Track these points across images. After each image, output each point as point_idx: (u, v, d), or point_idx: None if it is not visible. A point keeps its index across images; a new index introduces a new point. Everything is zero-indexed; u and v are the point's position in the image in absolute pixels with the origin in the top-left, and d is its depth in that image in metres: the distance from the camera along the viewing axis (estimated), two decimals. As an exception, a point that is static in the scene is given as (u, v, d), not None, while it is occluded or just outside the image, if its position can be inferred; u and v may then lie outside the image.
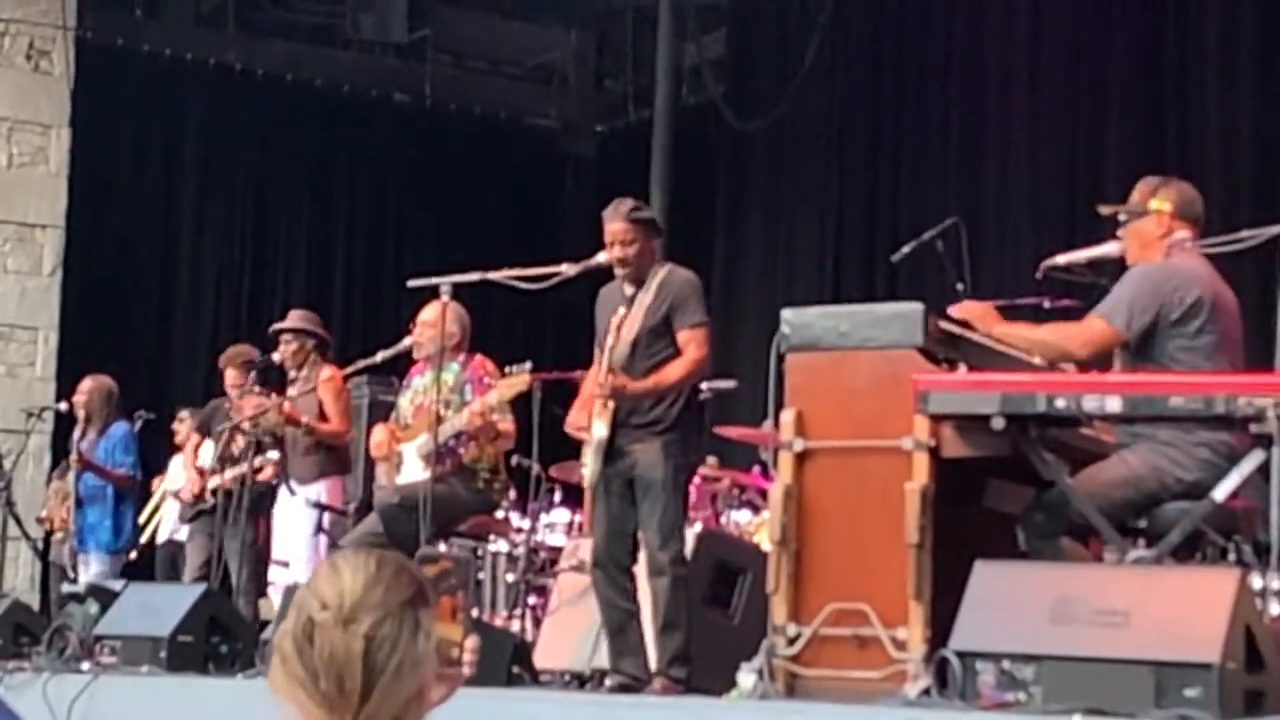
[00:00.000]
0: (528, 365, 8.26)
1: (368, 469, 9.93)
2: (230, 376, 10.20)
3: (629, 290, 7.21)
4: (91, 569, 10.81)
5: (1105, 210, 6.20)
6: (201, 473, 10.21)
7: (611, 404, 7.01)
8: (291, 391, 9.69)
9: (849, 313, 5.84)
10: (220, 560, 9.48)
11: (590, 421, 7.13)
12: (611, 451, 7.05)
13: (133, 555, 11.36)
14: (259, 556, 9.75)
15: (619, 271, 7.22)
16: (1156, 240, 5.97)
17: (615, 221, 7.22)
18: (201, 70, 15.21)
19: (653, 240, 7.30)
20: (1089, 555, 5.79)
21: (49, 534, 11.50)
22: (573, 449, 7.63)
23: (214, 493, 9.78)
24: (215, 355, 14.41)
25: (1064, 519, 5.59)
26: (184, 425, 11.80)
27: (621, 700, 6.74)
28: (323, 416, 9.61)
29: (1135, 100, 11.50)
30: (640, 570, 7.14)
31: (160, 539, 11.71)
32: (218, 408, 10.34)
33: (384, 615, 2.65)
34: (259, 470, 9.60)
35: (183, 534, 11.26)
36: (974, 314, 5.98)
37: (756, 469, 10.22)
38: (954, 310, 5.93)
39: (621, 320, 7.11)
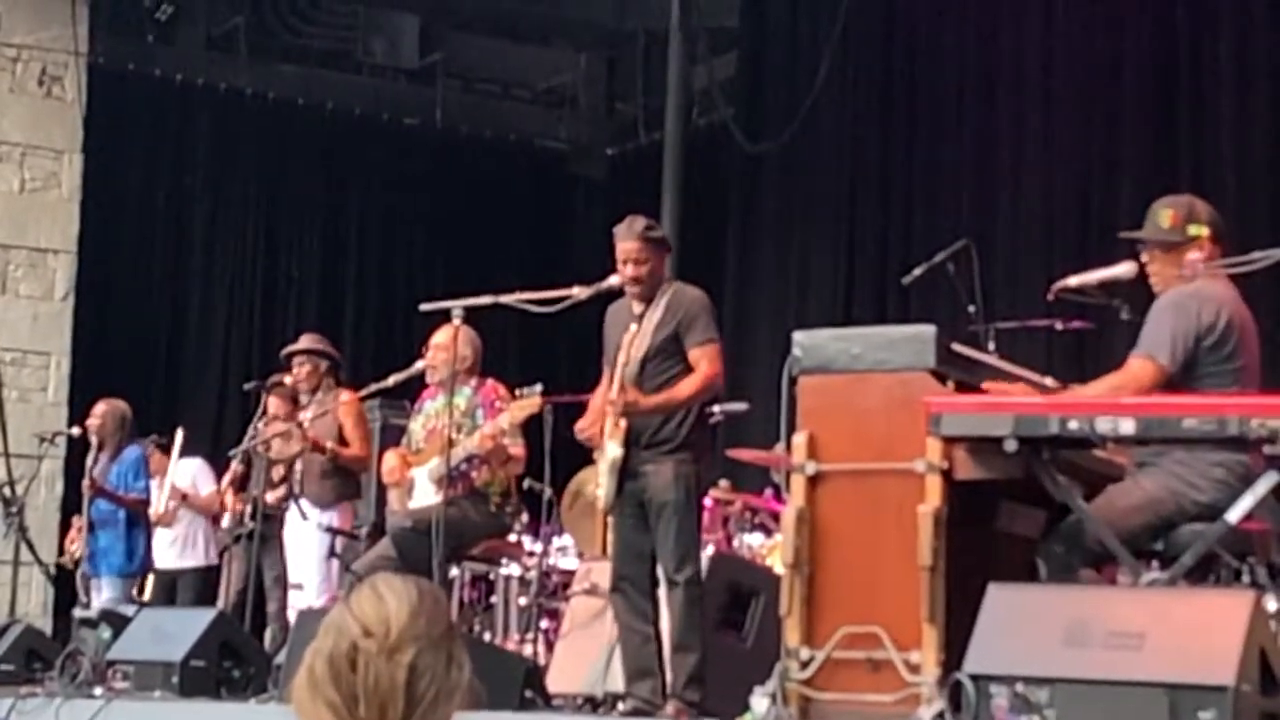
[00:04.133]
0: (538, 387, 8.27)
1: (380, 493, 9.94)
2: (273, 405, 10.18)
3: (637, 309, 7.21)
4: (104, 593, 10.81)
5: (1127, 235, 6.15)
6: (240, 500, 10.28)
7: (623, 423, 7.01)
8: (305, 414, 9.70)
9: (861, 335, 5.83)
10: (256, 585, 9.50)
11: (601, 436, 7.14)
12: (624, 472, 7.05)
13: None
14: (284, 583, 9.79)
15: (630, 290, 7.22)
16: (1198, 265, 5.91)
17: (628, 240, 7.23)
18: (213, 95, 15.24)
19: (663, 258, 7.32)
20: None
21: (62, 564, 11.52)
22: (585, 462, 7.63)
23: (252, 516, 9.79)
24: (227, 379, 14.59)
25: (1083, 549, 5.57)
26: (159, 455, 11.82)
27: (635, 724, 6.74)
28: (343, 441, 9.64)
29: (1148, 121, 11.49)
30: (661, 592, 7.14)
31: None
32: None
33: (426, 646, 2.69)
34: (273, 487, 9.66)
35: (168, 562, 11.32)
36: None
37: (769, 492, 10.21)
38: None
39: (633, 338, 7.12)
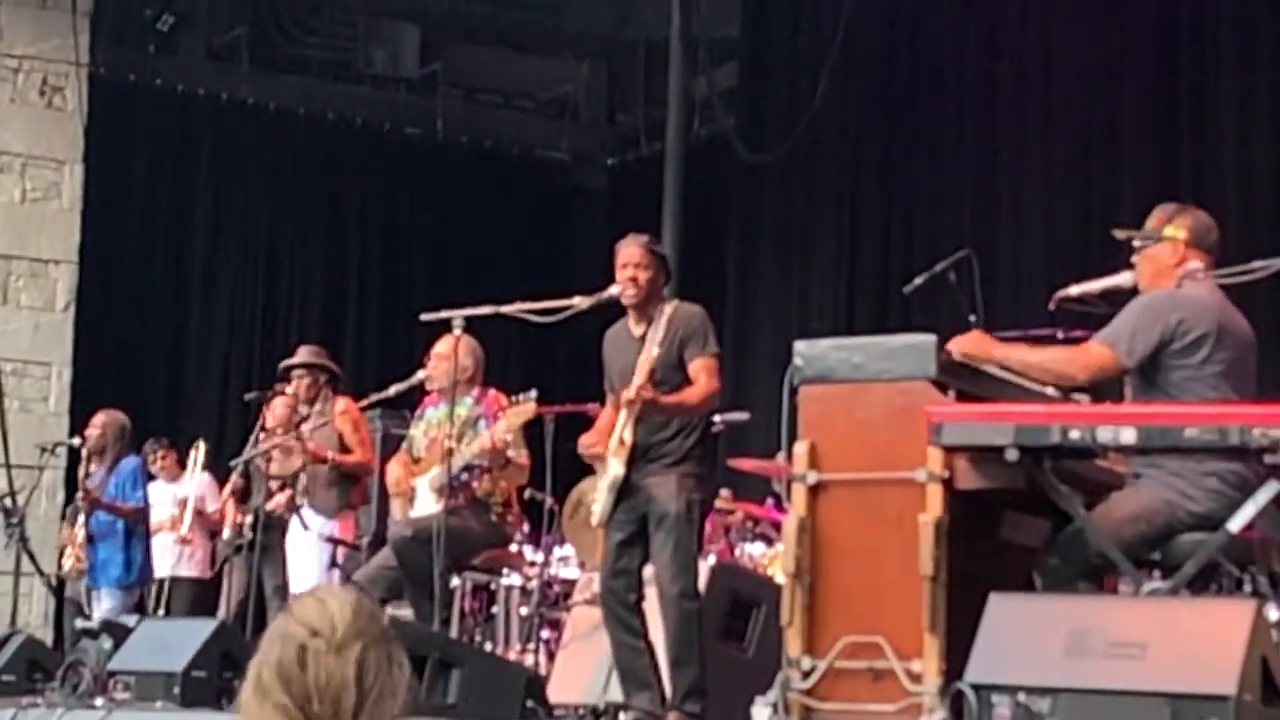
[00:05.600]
0: (533, 393, 8.27)
1: (381, 502, 9.94)
2: (276, 411, 10.17)
3: (637, 331, 7.20)
4: (104, 604, 10.80)
5: (1120, 234, 6.19)
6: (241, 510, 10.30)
7: (629, 441, 6.99)
8: (305, 427, 9.69)
9: (862, 344, 5.82)
10: (257, 595, 9.50)
11: (605, 451, 7.12)
12: (626, 487, 7.04)
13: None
14: (285, 593, 9.78)
15: (629, 295, 7.19)
16: (1170, 268, 5.96)
17: (632, 246, 7.24)
18: (214, 105, 15.26)
19: (662, 276, 7.31)
20: None
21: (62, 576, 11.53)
22: (586, 472, 7.63)
23: (253, 527, 9.79)
24: (227, 390, 14.59)
25: (1079, 561, 5.57)
26: (164, 460, 11.83)
27: (636, 734, 6.73)
28: (344, 449, 9.63)
29: (1149, 130, 11.49)
30: (651, 605, 7.12)
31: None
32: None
33: (370, 642, 2.80)
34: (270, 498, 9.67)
35: (163, 569, 11.33)
36: (968, 346, 5.94)
37: (770, 501, 10.21)
38: (950, 347, 5.89)
39: (647, 360, 7.08)
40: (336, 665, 2.76)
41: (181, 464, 11.89)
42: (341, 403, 9.72)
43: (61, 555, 11.34)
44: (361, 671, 2.77)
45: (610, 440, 7.10)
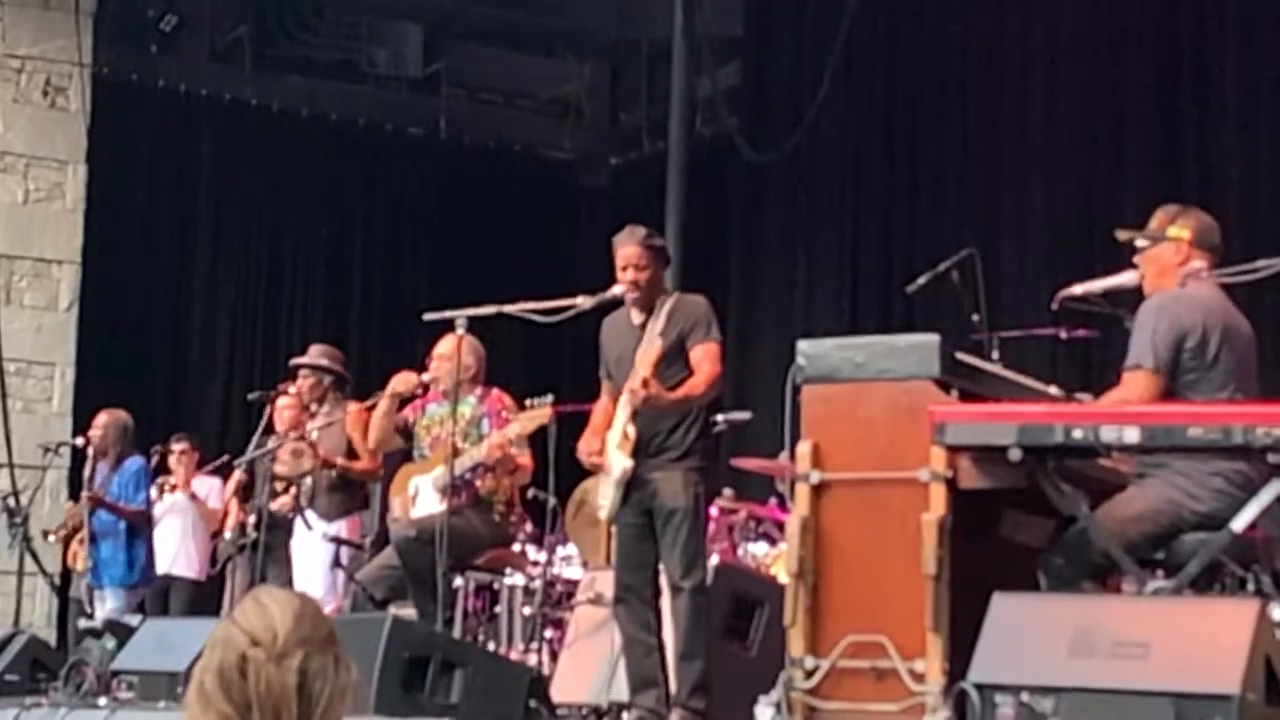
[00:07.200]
0: (549, 398, 8.27)
1: (383, 503, 9.94)
2: (282, 410, 10.16)
3: (637, 319, 7.20)
4: (107, 604, 10.81)
5: (1123, 235, 6.19)
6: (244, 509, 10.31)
7: (632, 435, 6.99)
8: (311, 425, 9.69)
9: (865, 344, 5.82)
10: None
11: (604, 450, 7.11)
12: (632, 482, 7.04)
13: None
14: None
15: (630, 296, 7.20)
16: (1174, 268, 5.96)
17: (630, 246, 7.23)
18: (217, 105, 15.27)
19: (663, 268, 7.32)
20: None
21: (68, 572, 11.54)
22: (589, 471, 7.62)
23: (256, 526, 9.79)
24: (231, 390, 14.60)
25: (1084, 561, 5.57)
26: (185, 457, 11.83)
27: (639, 733, 6.73)
28: (351, 454, 9.63)
29: (1152, 129, 11.49)
30: (664, 601, 7.13)
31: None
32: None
33: (313, 649, 2.78)
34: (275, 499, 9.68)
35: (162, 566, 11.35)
36: None
37: (773, 501, 10.20)
38: None
39: (646, 352, 7.08)
40: (277, 675, 2.75)
41: (199, 467, 11.88)
42: (353, 407, 9.71)
43: (66, 557, 11.36)
44: (305, 680, 2.76)
45: (610, 436, 7.10)
